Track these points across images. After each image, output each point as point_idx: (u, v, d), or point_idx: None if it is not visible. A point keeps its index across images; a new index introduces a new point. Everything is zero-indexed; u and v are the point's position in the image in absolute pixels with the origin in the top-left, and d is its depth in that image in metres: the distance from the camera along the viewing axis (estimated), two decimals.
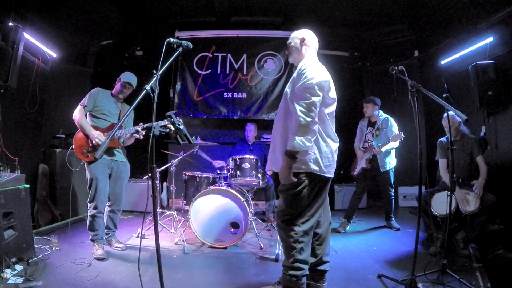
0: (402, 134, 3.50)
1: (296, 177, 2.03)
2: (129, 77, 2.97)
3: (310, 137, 1.92)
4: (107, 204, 2.92)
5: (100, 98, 2.90)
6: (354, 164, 4.08)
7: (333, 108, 2.13)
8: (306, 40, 2.19)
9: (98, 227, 2.82)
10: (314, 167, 2.02)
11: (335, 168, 2.16)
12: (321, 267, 2.21)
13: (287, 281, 2.07)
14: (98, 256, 2.68)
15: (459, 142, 3.11)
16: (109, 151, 2.88)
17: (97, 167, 2.79)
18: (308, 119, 1.90)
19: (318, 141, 2.05)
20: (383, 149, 3.64)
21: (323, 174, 2.06)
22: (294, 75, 2.10)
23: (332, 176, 2.13)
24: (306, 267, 2.07)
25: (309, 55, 2.19)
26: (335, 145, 2.14)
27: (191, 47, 1.77)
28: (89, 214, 2.81)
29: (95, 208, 2.78)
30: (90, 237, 2.82)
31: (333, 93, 2.11)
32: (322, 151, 2.06)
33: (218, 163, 4.17)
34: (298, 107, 1.93)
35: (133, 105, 1.66)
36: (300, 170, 2.03)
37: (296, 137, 1.89)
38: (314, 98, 1.93)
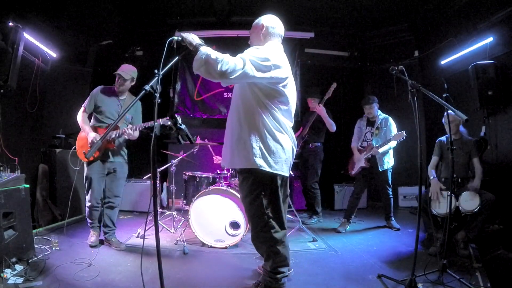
0: (404, 133, 3.45)
1: (243, 175, 1.94)
2: (121, 68, 2.97)
3: (212, 68, 1.71)
4: (104, 200, 3.04)
5: (100, 99, 2.93)
6: (351, 164, 4.06)
7: (291, 108, 2.00)
8: (265, 28, 2.03)
9: (95, 218, 3.05)
10: (259, 162, 1.86)
11: (290, 166, 2.02)
12: None
13: (267, 282, 2.05)
14: (90, 243, 2.95)
15: (457, 142, 3.11)
16: (105, 153, 2.93)
17: (93, 167, 2.92)
18: (234, 68, 1.67)
19: (264, 134, 1.87)
20: (380, 150, 3.64)
21: (272, 171, 1.88)
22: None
23: (285, 174, 1.97)
24: (286, 269, 2.05)
25: (269, 44, 2.01)
26: (288, 141, 1.97)
27: None
28: (87, 205, 3.02)
29: (90, 202, 2.99)
30: (89, 224, 3.07)
31: (290, 91, 1.94)
32: (269, 145, 1.88)
33: (218, 159, 4.14)
34: (243, 55, 1.74)
35: (129, 107, 1.69)
36: (245, 167, 1.90)
37: (214, 58, 1.69)
38: (264, 63, 1.74)
